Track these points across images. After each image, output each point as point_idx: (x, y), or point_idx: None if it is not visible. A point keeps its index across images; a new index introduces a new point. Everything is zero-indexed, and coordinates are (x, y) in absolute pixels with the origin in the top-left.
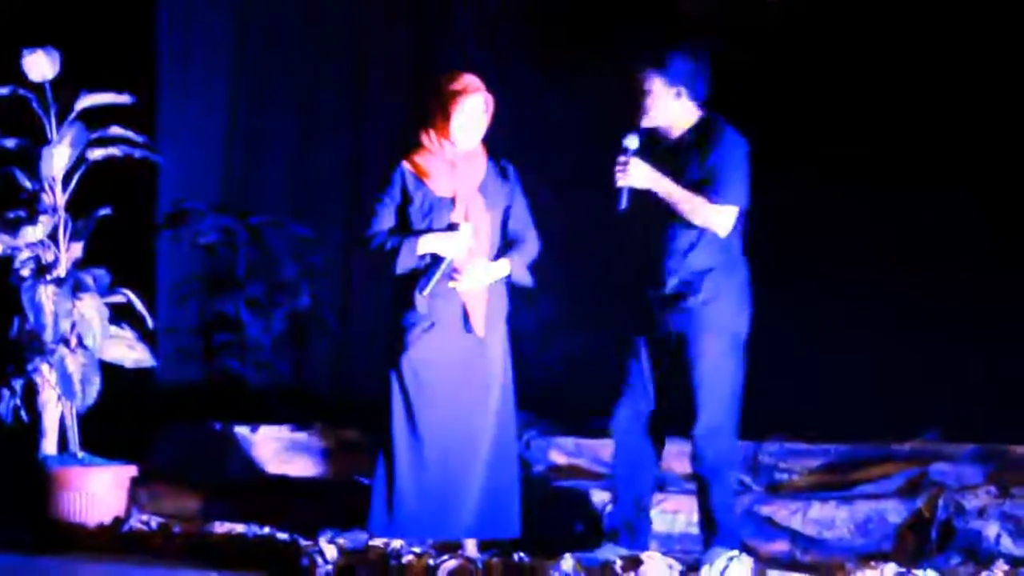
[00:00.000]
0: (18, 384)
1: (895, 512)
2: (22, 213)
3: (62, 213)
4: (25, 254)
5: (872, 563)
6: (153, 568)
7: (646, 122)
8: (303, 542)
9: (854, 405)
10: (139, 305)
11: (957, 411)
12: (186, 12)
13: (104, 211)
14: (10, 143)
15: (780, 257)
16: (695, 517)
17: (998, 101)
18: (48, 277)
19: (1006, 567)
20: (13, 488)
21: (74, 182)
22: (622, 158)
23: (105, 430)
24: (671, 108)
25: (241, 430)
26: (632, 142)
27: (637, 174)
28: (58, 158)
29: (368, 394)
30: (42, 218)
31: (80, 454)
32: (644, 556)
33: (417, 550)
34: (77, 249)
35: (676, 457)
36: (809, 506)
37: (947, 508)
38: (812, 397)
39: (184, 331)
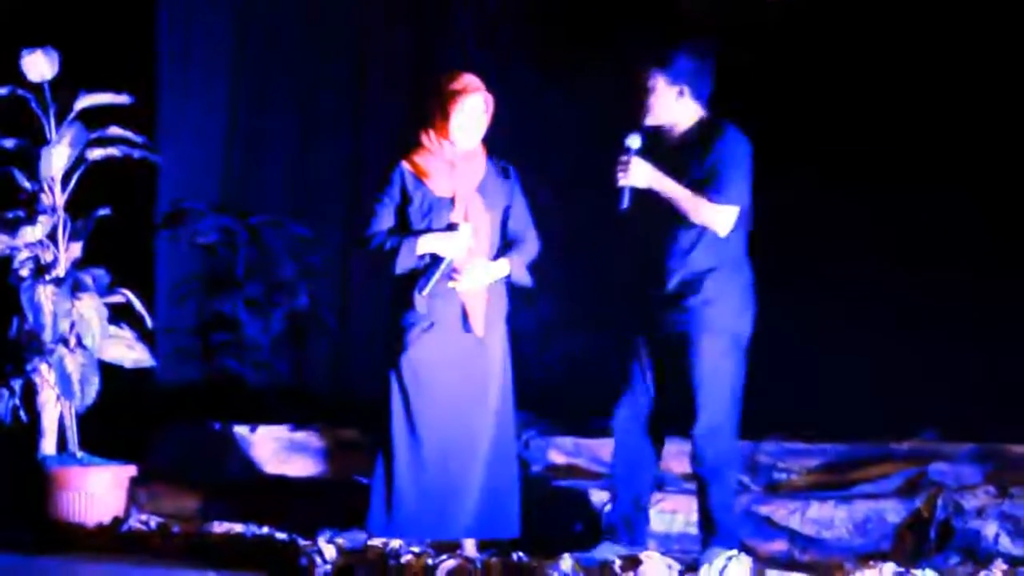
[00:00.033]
0: (17, 384)
1: (894, 512)
2: (21, 213)
3: (61, 213)
4: (24, 254)
5: (871, 563)
6: (152, 568)
7: (649, 121)
8: (302, 542)
9: (853, 405)
10: (138, 305)
11: (956, 411)
12: (186, 12)
13: (103, 211)
14: (9, 143)
15: (779, 257)
16: (694, 517)
17: (998, 101)
18: (47, 277)
19: (1005, 567)
20: (12, 488)
21: (73, 182)
22: (623, 157)
23: (104, 430)
24: (673, 107)
25: (240, 430)
26: (634, 141)
27: (638, 173)
28: (57, 158)
29: (367, 394)
30: (41, 218)
31: (79, 454)
32: (643, 556)
33: (416, 550)
34: (76, 249)
35: (675, 457)
36: (808, 506)
37: (946, 508)
38: (811, 397)
39: (183, 331)
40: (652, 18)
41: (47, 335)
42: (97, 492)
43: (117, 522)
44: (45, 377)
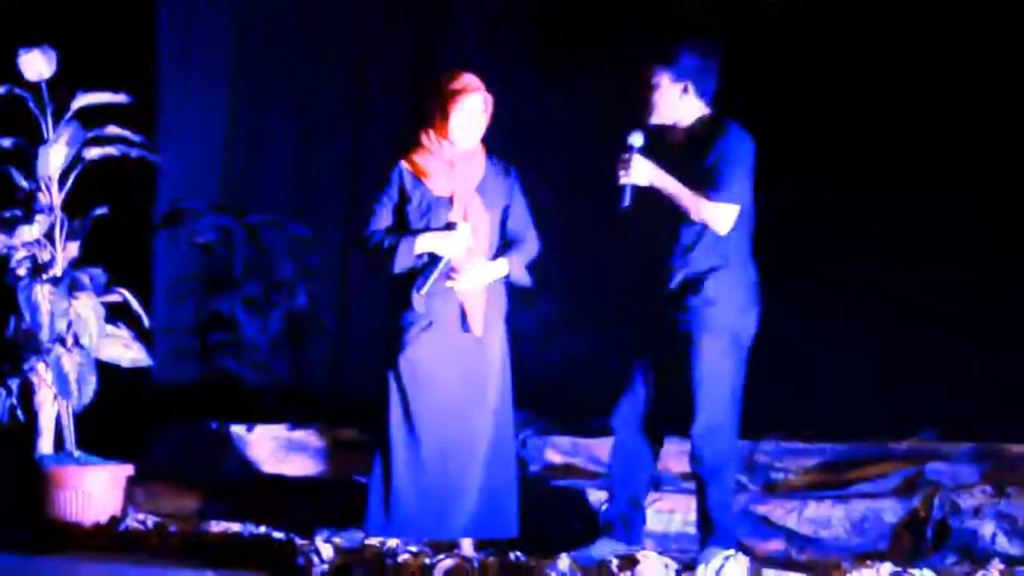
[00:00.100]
0: (14, 383)
1: (891, 511)
2: (18, 212)
3: (58, 212)
4: (21, 253)
5: (868, 562)
6: (149, 567)
7: (653, 119)
8: (299, 541)
9: (851, 404)
10: (135, 304)
11: (954, 410)
12: (186, 12)
13: (100, 210)
14: (6, 142)
15: (778, 256)
16: (691, 516)
17: (998, 101)
18: (44, 276)
19: (1002, 566)
20: (10, 487)
21: (70, 181)
22: (625, 155)
23: (101, 429)
24: (677, 104)
25: (238, 429)
26: (636, 139)
27: (640, 171)
28: (54, 157)
29: (365, 393)
30: (38, 217)
31: (76, 453)
32: (640, 555)
33: (413, 549)
34: (73, 248)
35: (673, 456)
36: (805, 505)
37: (943, 507)
38: (809, 396)
39: (181, 330)
40: (652, 18)
41: (44, 334)
42: (94, 491)
43: (114, 521)
44: (42, 376)
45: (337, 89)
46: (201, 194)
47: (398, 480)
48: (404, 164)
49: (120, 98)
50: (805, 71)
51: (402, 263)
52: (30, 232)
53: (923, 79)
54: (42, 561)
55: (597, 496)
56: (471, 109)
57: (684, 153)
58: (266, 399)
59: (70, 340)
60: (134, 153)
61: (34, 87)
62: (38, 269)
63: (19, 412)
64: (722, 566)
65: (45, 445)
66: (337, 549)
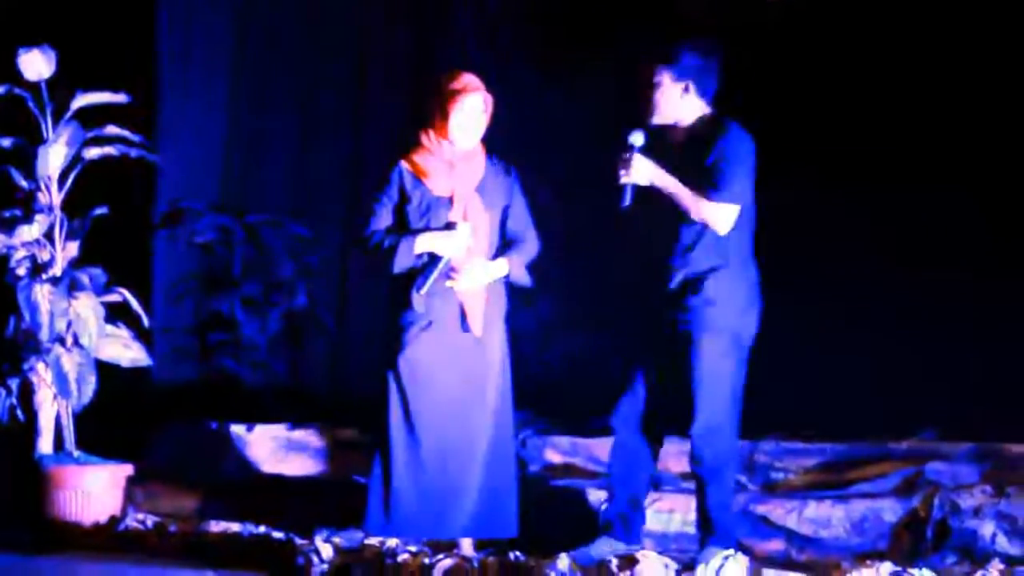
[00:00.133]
0: (14, 383)
1: (891, 511)
2: (18, 212)
3: (58, 212)
4: (21, 253)
5: (868, 562)
6: (149, 567)
7: (654, 118)
8: (299, 541)
9: (850, 404)
10: (135, 304)
11: (954, 410)
12: (186, 12)
13: (100, 210)
14: (6, 142)
15: (778, 256)
16: (691, 516)
17: (998, 101)
18: (44, 276)
19: (1001, 566)
20: (9, 487)
21: (70, 181)
22: (626, 154)
23: (101, 429)
24: (678, 103)
25: (237, 429)
26: (637, 138)
27: (640, 170)
28: (54, 157)
29: (365, 393)
30: (38, 217)
31: (76, 453)
32: (640, 555)
33: (412, 549)
34: (73, 248)
35: (673, 456)
36: (805, 505)
37: (943, 507)
38: (808, 396)
39: (180, 330)
40: (652, 18)
41: (44, 334)
42: (94, 491)
43: (114, 521)
44: (42, 376)
45: (337, 89)
46: (201, 194)
47: (398, 480)
48: (404, 164)
49: (120, 98)
50: (805, 71)
51: (402, 263)
52: (30, 232)
53: (923, 79)
54: (42, 561)
55: (597, 496)
56: (471, 109)
57: (684, 153)
58: (265, 399)
59: (70, 340)
60: (134, 153)
61: (34, 87)
62: (38, 269)
63: (19, 412)
64: (722, 566)
65: (45, 445)
66: (337, 549)
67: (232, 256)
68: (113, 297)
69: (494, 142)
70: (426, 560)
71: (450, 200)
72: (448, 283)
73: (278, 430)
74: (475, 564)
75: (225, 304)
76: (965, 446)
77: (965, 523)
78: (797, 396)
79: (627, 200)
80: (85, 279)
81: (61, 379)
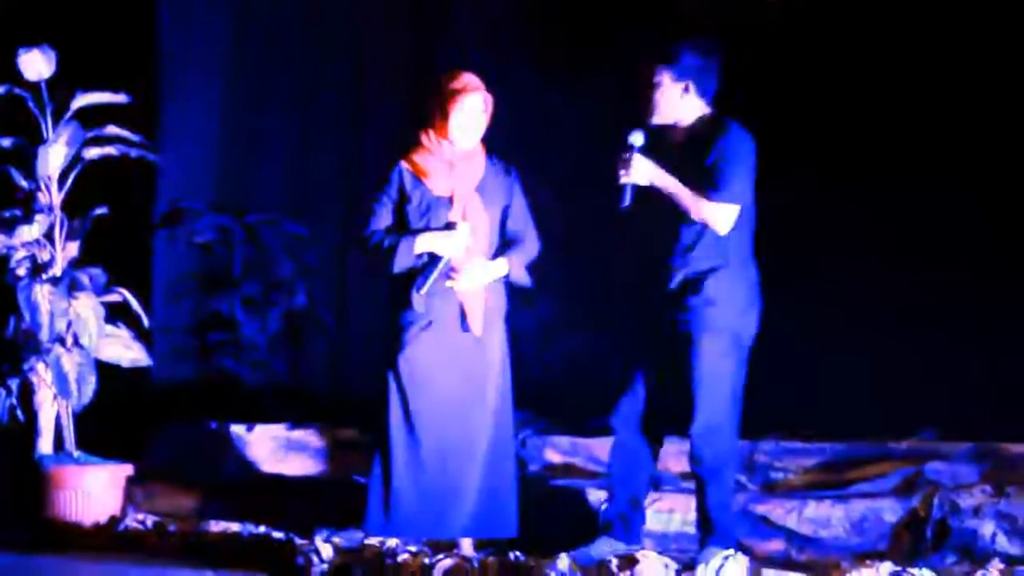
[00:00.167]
0: (14, 383)
1: (891, 511)
2: (18, 212)
3: (58, 212)
4: (21, 253)
5: (868, 562)
6: (149, 567)
7: (654, 118)
8: (299, 541)
9: (850, 404)
10: (135, 304)
11: (953, 410)
12: (186, 12)
13: (100, 210)
14: (6, 142)
15: (777, 256)
16: (691, 516)
17: (998, 101)
18: (44, 276)
19: (1001, 566)
20: (9, 487)
21: (70, 181)
22: (625, 154)
23: (101, 429)
24: (678, 103)
25: (237, 429)
26: (637, 138)
27: (640, 170)
28: (54, 157)
29: (364, 393)
30: (38, 217)
31: (76, 453)
32: (640, 555)
33: (412, 549)
34: (73, 248)
35: (673, 456)
36: (805, 505)
37: (943, 507)
38: (808, 396)
39: (180, 330)
40: (652, 18)
41: (44, 334)
42: (94, 491)
43: (114, 521)
44: (42, 376)
45: (337, 89)
46: (200, 194)
47: (397, 480)
48: (404, 164)
49: (120, 98)
50: (805, 71)
51: (402, 263)
52: (30, 232)
53: (923, 79)
54: (42, 561)
55: (597, 496)
56: (471, 109)
57: (685, 153)
58: (265, 399)
59: (70, 340)
60: (133, 153)
61: (34, 87)
62: (38, 269)
63: (19, 412)
64: (722, 566)
65: (45, 445)
66: (336, 549)
67: (232, 256)
68: (113, 297)
69: (494, 142)
70: (426, 560)
71: (450, 200)
72: (448, 283)
73: (278, 430)
74: (475, 564)
75: (225, 304)
76: (965, 446)
77: (965, 523)
78: (797, 396)
79: (627, 200)
80: (85, 279)
81: (61, 379)
